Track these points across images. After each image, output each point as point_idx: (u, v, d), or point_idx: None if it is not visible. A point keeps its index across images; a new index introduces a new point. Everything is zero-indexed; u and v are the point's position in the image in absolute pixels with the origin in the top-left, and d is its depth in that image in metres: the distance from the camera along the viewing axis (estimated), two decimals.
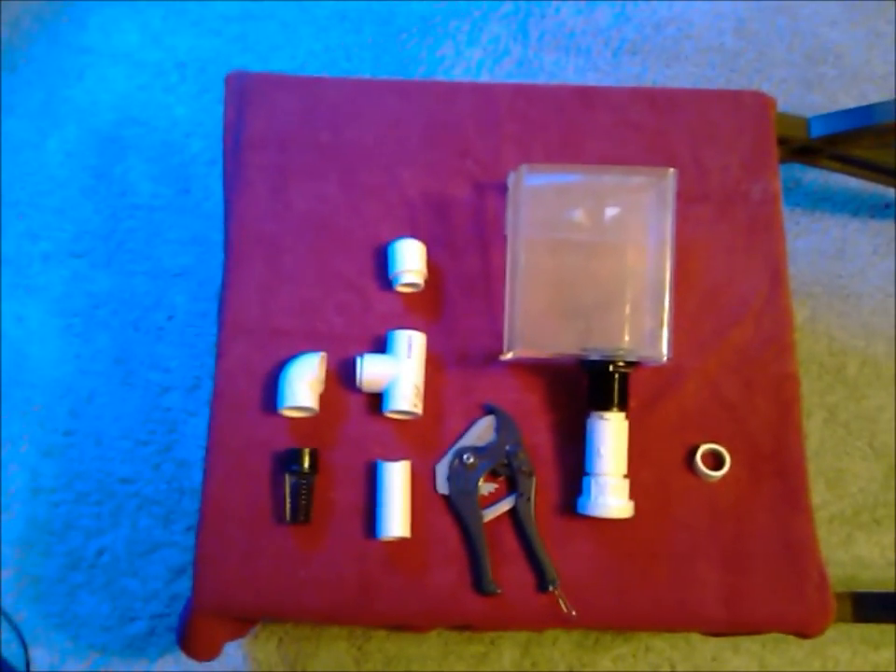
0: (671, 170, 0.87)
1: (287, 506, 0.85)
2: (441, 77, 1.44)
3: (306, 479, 0.85)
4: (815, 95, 1.45)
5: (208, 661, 0.91)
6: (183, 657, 0.89)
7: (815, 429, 1.23)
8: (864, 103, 1.41)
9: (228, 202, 0.97)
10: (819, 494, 1.20)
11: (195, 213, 1.34)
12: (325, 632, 1.13)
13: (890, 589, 1.15)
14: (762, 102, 1.01)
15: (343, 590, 0.84)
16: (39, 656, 1.13)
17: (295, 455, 0.85)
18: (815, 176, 1.37)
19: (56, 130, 1.39)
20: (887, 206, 1.37)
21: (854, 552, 1.18)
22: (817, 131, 1.10)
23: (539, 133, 0.99)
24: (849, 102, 1.43)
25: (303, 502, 0.85)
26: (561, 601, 0.83)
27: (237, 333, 0.91)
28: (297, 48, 1.46)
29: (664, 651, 1.13)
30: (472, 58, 1.46)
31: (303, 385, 0.86)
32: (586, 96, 1.01)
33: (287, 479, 0.86)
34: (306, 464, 0.85)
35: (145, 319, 1.28)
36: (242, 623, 0.92)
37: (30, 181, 1.36)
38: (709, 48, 1.48)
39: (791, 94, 1.44)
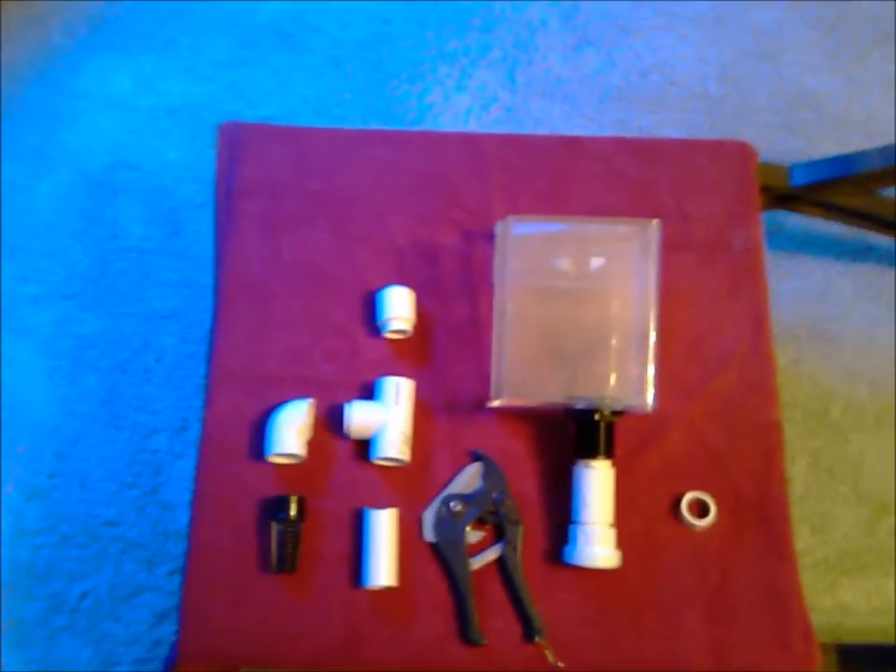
0: (655, 221, 0.87)
1: (274, 553, 0.84)
2: (429, 123, 1.46)
3: (293, 526, 0.84)
4: (797, 140, 1.47)
5: None
6: None
7: (799, 474, 1.23)
8: (845, 148, 1.43)
9: (219, 248, 0.97)
10: (803, 539, 1.19)
11: (185, 256, 1.35)
12: None
13: (875, 637, 1.14)
14: (744, 151, 1.02)
15: (330, 638, 0.83)
16: None
17: (282, 503, 0.85)
18: (797, 221, 1.39)
19: (48, 174, 1.41)
20: (869, 250, 1.39)
21: (839, 598, 1.18)
22: (798, 179, 1.12)
23: (526, 181, 1.00)
24: (830, 147, 1.46)
25: (290, 550, 0.84)
26: (547, 652, 0.82)
27: (225, 379, 0.91)
28: (288, 94, 1.48)
29: None
30: (461, 104, 1.48)
31: (291, 431, 0.86)
32: (572, 145, 1.03)
33: (274, 526, 0.85)
34: (293, 511, 0.84)
35: (133, 361, 1.29)
36: (226, 670, 0.91)
37: (21, 224, 1.37)
38: (693, 94, 1.51)
39: (773, 140, 1.47)
